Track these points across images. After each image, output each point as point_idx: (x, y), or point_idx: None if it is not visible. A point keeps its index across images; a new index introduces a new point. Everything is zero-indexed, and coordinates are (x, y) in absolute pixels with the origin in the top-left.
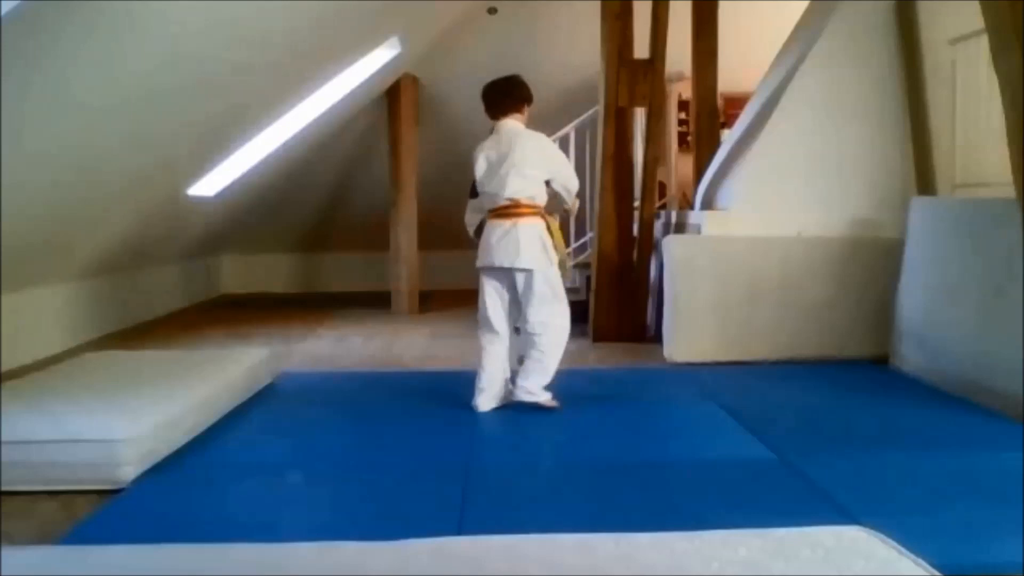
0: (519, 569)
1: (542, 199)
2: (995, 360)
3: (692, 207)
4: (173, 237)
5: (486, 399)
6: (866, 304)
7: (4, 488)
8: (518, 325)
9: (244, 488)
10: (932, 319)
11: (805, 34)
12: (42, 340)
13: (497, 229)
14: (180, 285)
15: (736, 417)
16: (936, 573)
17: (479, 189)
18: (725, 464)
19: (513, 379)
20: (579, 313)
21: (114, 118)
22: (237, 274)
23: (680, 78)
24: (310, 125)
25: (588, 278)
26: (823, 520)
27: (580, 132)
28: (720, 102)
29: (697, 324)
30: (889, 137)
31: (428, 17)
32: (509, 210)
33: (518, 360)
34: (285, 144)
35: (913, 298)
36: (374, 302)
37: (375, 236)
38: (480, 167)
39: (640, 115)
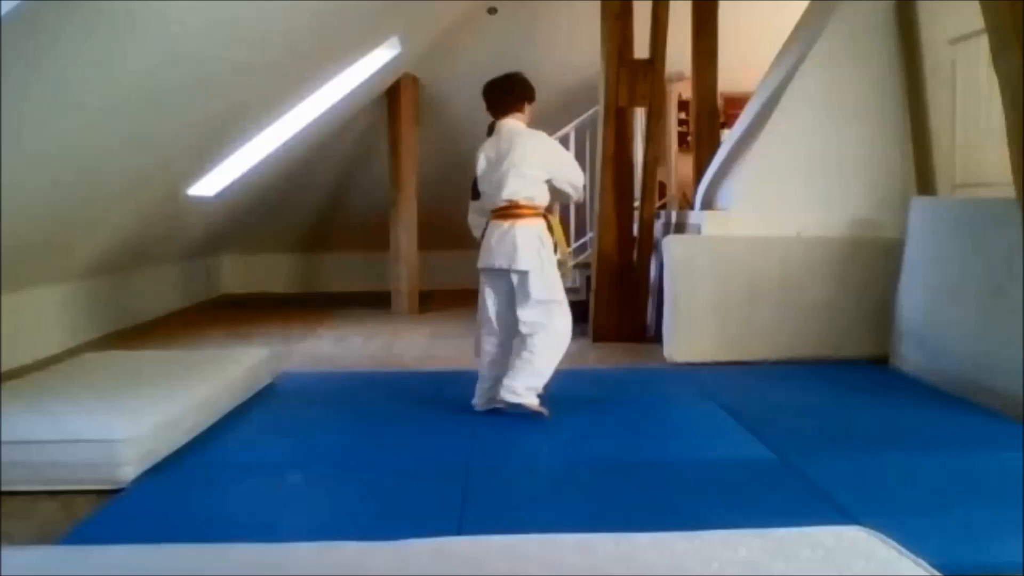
0: (519, 569)
1: (542, 199)
2: (995, 360)
3: (692, 207)
4: (173, 237)
5: (479, 397)
6: (866, 304)
7: (4, 488)
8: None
9: (244, 488)
10: (932, 319)
11: (805, 34)
12: (42, 340)
13: (496, 230)
14: (180, 285)
15: (736, 417)
16: (936, 573)
17: (479, 189)
18: (725, 464)
19: None
20: (579, 313)
21: (114, 118)
22: (237, 274)
23: (680, 78)
24: (310, 125)
25: (588, 278)
26: (823, 520)
27: (580, 132)
28: (720, 102)
29: (697, 324)
30: (889, 137)
31: (428, 17)
32: (508, 211)
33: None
34: (285, 144)
35: (913, 298)
36: (374, 302)
37: (375, 236)
38: (480, 167)
39: (640, 115)
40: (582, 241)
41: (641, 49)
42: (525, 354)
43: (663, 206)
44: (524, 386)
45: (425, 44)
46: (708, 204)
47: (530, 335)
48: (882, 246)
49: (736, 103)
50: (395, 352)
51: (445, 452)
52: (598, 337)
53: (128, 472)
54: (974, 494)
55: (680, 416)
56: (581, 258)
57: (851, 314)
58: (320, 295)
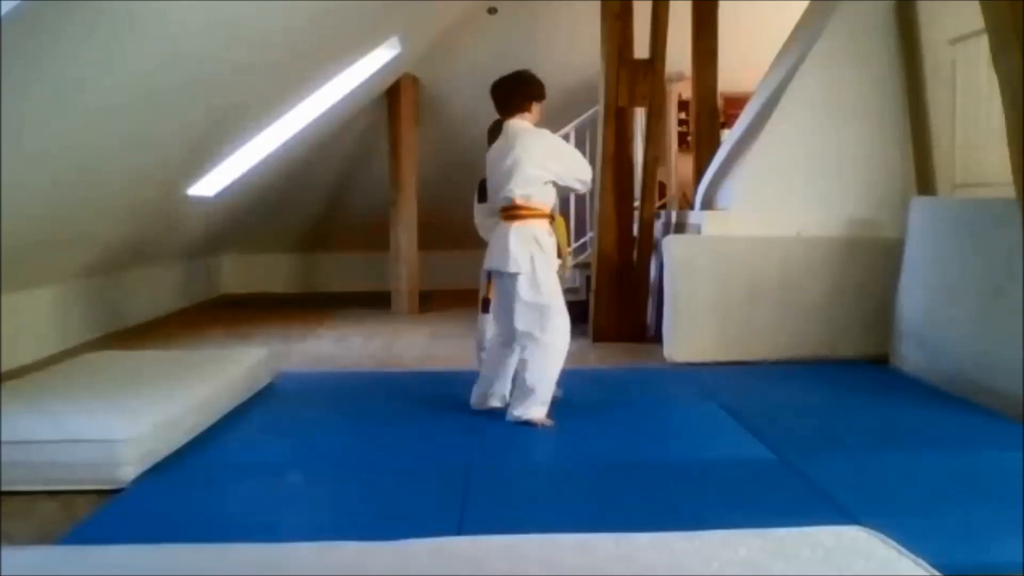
0: (519, 569)
1: (544, 199)
2: (995, 360)
3: (692, 207)
4: (173, 237)
5: (477, 397)
6: (866, 304)
7: (4, 488)
8: None
9: (244, 488)
10: (932, 319)
11: (805, 34)
12: (42, 340)
13: (497, 231)
14: (180, 285)
15: (736, 417)
16: (936, 573)
17: (488, 189)
18: (725, 464)
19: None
20: (579, 313)
21: (114, 118)
22: (237, 274)
23: (680, 78)
24: (310, 125)
25: (588, 278)
26: (823, 520)
27: (580, 132)
28: (720, 102)
29: (697, 324)
30: (889, 137)
31: (428, 17)
32: (508, 212)
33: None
34: (285, 144)
35: (913, 298)
36: (374, 302)
37: (375, 236)
38: (488, 168)
39: (640, 115)
40: (582, 241)
41: (641, 49)
42: (521, 382)
43: (663, 206)
44: (525, 411)
45: (425, 44)
46: (708, 204)
47: (528, 357)
48: (882, 246)
49: (736, 103)
50: (395, 352)
51: (445, 452)
52: (598, 337)
53: (128, 472)
54: (974, 494)
55: (680, 416)
56: (581, 258)
57: (851, 314)
58: (320, 295)
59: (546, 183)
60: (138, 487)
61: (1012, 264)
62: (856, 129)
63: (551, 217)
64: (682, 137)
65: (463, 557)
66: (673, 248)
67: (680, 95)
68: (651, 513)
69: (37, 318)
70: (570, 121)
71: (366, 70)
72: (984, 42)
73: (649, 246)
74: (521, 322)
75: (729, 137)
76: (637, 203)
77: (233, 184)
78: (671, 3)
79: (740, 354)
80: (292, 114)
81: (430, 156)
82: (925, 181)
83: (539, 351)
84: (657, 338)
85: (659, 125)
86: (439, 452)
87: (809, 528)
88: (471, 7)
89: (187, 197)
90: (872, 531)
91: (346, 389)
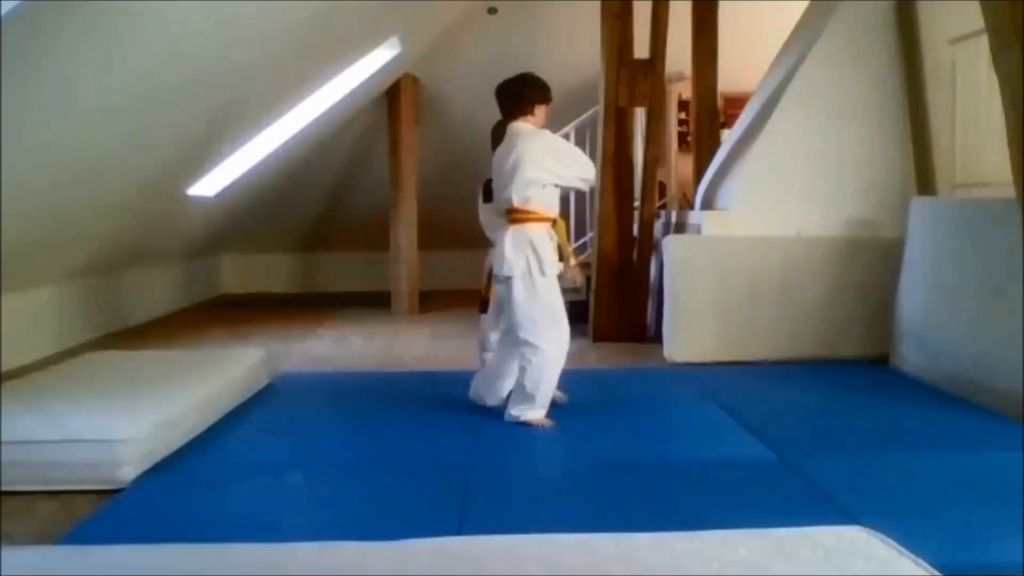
0: (519, 569)
1: (543, 203)
2: (995, 360)
3: (692, 207)
4: (173, 237)
5: (475, 392)
6: (866, 304)
7: (4, 488)
8: None
9: (244, 488)
10: (932, 319)
11: (805, 34)
12: (42, 340)
13: (500, 233)
14: (180, 285)
15: (736, 417)
16: (936, 573)
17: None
18: (725, 464)
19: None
20: (579, 313)
21: (114, 118)
22: (237, 274)
23: (680, 78)
24: (310, 125)
25: (588, 278)
26: (823, 520)
27: (580, 132)
28: (720, 102)
29: (697, 324)
30: (889, 137)
31: (428, 17)
32: (509, 215)
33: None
34: (285, 144)
35: (913, 298)
36: (374, 302)
37: (375, 236)
38: (493, 170)
39: (640, 115)
40: (582, 241)
41: (641, 49)
42: (519, 385)
43: (663, 206)
44: (522, 411)
45: (425, 44)
46: (708, 204)
47: (526, 364)
48: (882, 246)
49: (736, 103)
50: (395, 352)
51: (445, 452)
52: (598, 337)
53: (128, 472)
54: (974, 494)
55: (680, 416)
56: (581, 258)
57: (851, 314)
58: (320, 295)
59: (545, 186)
60: (138, 487)
61: (1012, 264)
62: (856, 129)
63: (552, 221)
64: (682, 137)
65: (463, 557)
66: (673, 248)
67: (680, 95)
68: (651, 513)
69: (37, 318)
70: (570, 121)
71: (366, 70)
72: (984, 42)
73: (649, 246)
74: (519, 326)
75: (729, 137)
76: (637, 203)
77: (233, 184)
78: (671, 3)
79: (740, 354)
80: (292, 114)
81: (430, 156)
82: (925, 181)
83: (537, 357)
84: (657, 338)
85: (659, 125)
86: (439, 452)
87: (809, 528)
88: (471, 7)
89: (187, 197)
90: (872, 531)
91: (346, 389)
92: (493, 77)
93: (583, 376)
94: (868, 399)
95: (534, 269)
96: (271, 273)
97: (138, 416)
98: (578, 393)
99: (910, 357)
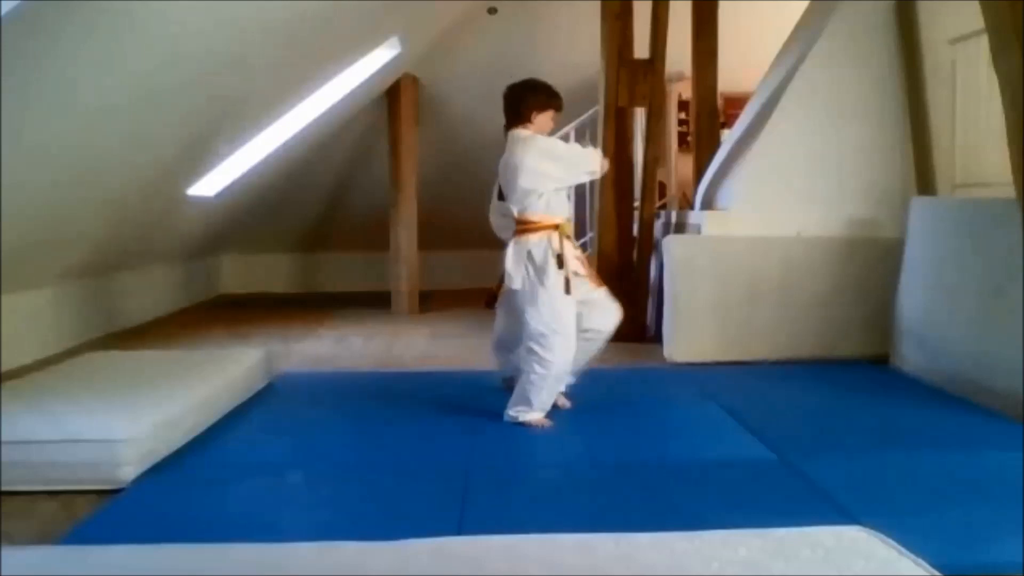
0: (519, 569)
1: (543, 211)
2: (995, 360)
3: (692, 207)
4: (173, 237)
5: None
6: (866, 304)
7: (4, 488)
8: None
9: (244, 488)
10: (932, 319)
11: (805, 34)
12: (42, 340)
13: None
14: (180, 285)
15: (736, 417)
16: (936, 573)
17: None
18: (725, 464)
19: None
20: None
21: (114, 118)
22: (237, 274)
23: (680, 78)
24: (310, 125)
25: None
26: (823, 520)
27: (580, 132)
28: (720, 102)
29: (697, 324)
30: (889, 137)
31: (428, 17)
32: (516, 225)
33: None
34: (285, 144)
35: (913, 298)
36: (374, 302)
37: (375, 236)
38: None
39: (640, 115)
40: (582, 241)
41: (641, 49)
42: (522, 392)
43: (663, 206)
44: (518, 411)
45: (425, 44)
46: (708, 204)
47: (527, 371)
48: (882, 246)
49: (736, 103)
50: (395, 352)
51: (445, 452)
52: None
53: (128, 472)
54: (974, 494)
55: (680, 416)
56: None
57: (851, 314)
58: (320, 295)
59: (541, 196)
60: (138, 487)
61: (1012, 264)
62: (856, 129)
63: (555, 226)
64: (682, 137)
65: (463, 557)
66: (673, 248)
67: (680, 95)
68: (651, 513)
69: (37, 318)
70: (570, 121)
71: (366, 70)
72: (984, 42)
73: (649, 246)
74: (527, 336)
75: (729, 137)
76: (637, 203)
77: (233, 184)
78: (671, 3)
79: (740, 354)
80: (292, 114)
81: (430, 156)
82: (925, 181)
83: (541, 367)
84: (657, 338)
85: (659, 125)
86: (439, 452)
87: (809, 528)
88: (471, 7)
89: (187, 197)
90: (872, 531)
91: (346, 389)
92: (493, 77)
93: (583, 376)
94: (868, 399)
95: (534, 281)
96: (271, 273)
97: (138, 416)
98: (578, 393)
99: (910, 357)
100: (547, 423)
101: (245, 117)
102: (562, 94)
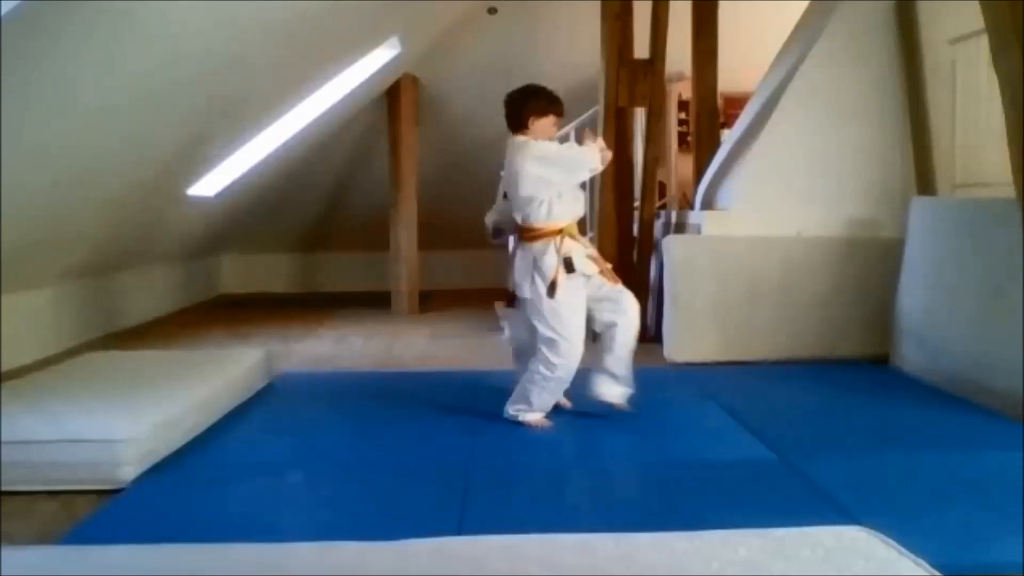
0: (519, 569)
1: (547, 218)
2: (995, 360)
3: (692, 207)
4: (173, 237)
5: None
6: (866, 304)
7: (4, 488)
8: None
9: (244, 488)
10: (932, 319)
11: (805, 34)
12: (42, 340)
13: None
14: (180, 285)
15: (736, 417)
16: (936, 573)
17: None
18: (725, 464)
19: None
20: None
21: (114, 118)
22: (237, 274)
23: (680, 78)
24: (310, 125)
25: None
26: (823, 520)
27: (580, 132)
28: (720, 102)
29: (697, 324)
30: (889, 137)
31: (428, 17)
32: (521, 233)
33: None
34: (285, 144)
35: (913, 298)
36: (374, 302)
37: (375, 236)
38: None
39: (640, 115)
40: None
41: (641, 49)
42: (524, 391)
43: (663, 206)
44: (515, 408)
45: (425, 44)
46: (708, 204)
47: (532, 370)
48: (882, 246)
49: (736, 103)
50: (395, 352)
51: (445, 452)
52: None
53: (128, 472)
54: (974, 494)
55: (680, 416)
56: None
57: (851, 314)
58: (320, 295)
59: (542, 203)
60: (138, 487)
61: (1012, 264)
62: (856, 129)
63: (559, 231)
64: (682, 137)
65: (463, 557)
66: (673, 248)
67: (680, 95)
68: (651, 513)
69: (37, 318)
70: (570, 121)
71: (366, 70)
72: (984, 42)
73: (649, 246)
74: (539, 339)
75: (729, 137)
76: (637, 203)
77: (233, 184)
78: (671, 3)
79: (740, 354)
80: (292, 114)
81: (430, 156)
82: (925, 181)
83: (546, 369)
84: (657, 338)
85: (659, 125)
86: (439, 452)
87: (809, 528)
88: (471, 7)
89: (187, 197)
90: (872, 531)
91: (346, 389)
92: (493, 77)
93: (582, 376)
94: (868, 399)
95: (540, 288)
96: (271, 273)
97: (138, 416)
98: (578, 393)
99: (910, 357)
100: (547, 423)
101: (245, 117)
102: (562, 94)
